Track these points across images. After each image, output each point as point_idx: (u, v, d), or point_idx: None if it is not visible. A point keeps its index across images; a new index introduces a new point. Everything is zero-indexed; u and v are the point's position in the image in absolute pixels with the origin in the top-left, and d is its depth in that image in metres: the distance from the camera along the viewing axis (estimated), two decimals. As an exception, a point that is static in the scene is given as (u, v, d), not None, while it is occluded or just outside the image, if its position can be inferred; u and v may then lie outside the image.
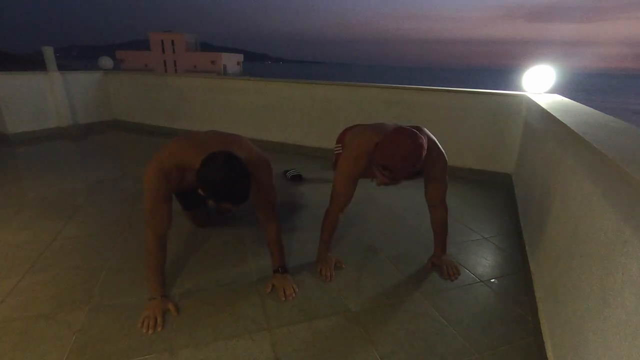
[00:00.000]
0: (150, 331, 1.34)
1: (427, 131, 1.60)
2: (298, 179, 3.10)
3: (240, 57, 46.56)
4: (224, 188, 1.19)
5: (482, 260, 1.92)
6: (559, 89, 3.07)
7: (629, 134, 1.23)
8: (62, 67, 4.87)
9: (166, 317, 1.42)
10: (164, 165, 1.37)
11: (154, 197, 1.38)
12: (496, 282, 1.73)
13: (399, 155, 1.31)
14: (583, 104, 2.23)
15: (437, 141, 1.60)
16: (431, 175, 1.64)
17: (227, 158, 1.21)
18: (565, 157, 1.46)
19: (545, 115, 2.04)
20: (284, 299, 1.55)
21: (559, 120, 1.58)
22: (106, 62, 5.37)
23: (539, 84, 2.95)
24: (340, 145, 2.17)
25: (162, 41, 41.33)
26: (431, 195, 1.71)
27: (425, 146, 1.35)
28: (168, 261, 1.52)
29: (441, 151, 1.60)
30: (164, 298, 1.46)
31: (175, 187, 1.43)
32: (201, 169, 1.21)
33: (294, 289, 1.59)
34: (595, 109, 1.93)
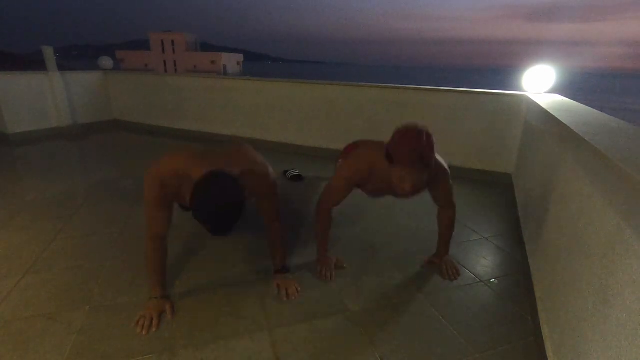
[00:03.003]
0: (145, 331, 1.34)
1: None
2: (298, 179, 3.10)
3: (240, 57, 46.57)
4: (209, 217, 1.16)
5: (482, 260, 1.92)
6: (559, 89, 3.07)
7: (629, 134, 1.23)
8: (62, 67, 4.87)
9: (166, 317, 1.42)
10: (160, 172, 1.35)
11: (150, 202, 1.38)
12: (496, 282, 1.73)
13: (421, 140, 1.30)
14: (583, 104, 2.23)
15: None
16: (434, 186, 1.65)
17: (222, 184, 1.17)
18: (565, 157, 1.46)
19: (545, 115, 2.04)
20: (285, 299, 1.55)
21: (559, 120, 1.58)
22: (106, 62, 5.37)
23: (539, 84, 2.95)
24: (340, 160, 2.15)
25: (162, 41, 41.33)
26: (439, 199, 1.73)
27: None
28: (168, 261, 1.51)
29: (441, 163, 1.60)
30: (162, 299, 1.46)
31: (173, 195, 1.40)
32: (195, 188, 1.17)
33: (296, 289, 1.60)
34: (595, 109, 1.93)
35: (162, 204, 1.38)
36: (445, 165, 1.61)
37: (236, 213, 1.18)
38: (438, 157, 1.55)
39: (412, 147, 1.30)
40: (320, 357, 1.26)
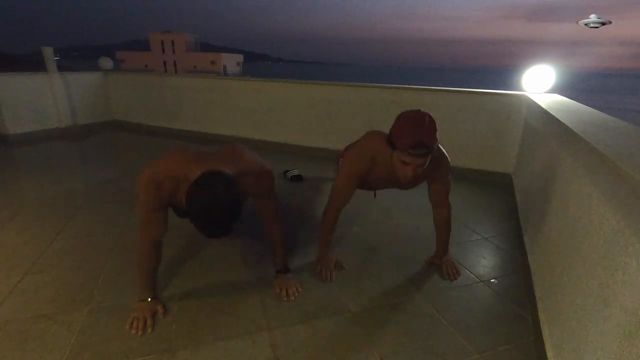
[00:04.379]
0: (140, 332, 1.34)
1: None
2: (298, 179, 3.10)
3: (240, 58, 46.53)
4: (204, 218, 1.14)
5: (482, 260, 1.92)
6: (558, 89, 3.07)
7: (628, 134, 1.24)
8: (61, 68, 4.87)
9: (161, 318, 1.42)
10: (156, 175, 1.31)
11: (145, 206, 1.35)
12: (496, 282, 1.73)
13: (423, 123, 1.33)
14: (583, 104, 2.23)
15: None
16: (435, 175, 1.64)
17: (218, 184, 1.14)
18: (565, 157, 1.46)
19: (545, 115, 2.04)
20: (285, 299, 1.55)
21: (558, 120, 1.58)
22: (106, 62, 5.37)
23: (539, 84, 2.95)
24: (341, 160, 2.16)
25: (162, 41, 41.31)
26: (435, 196, 1.72)
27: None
28: (168, 262, 1.51)
29: (443, 151, 1.60)
30: (153, 300, 1.46)
31: (169, 198, 1.36)
32: (190, 187, 1.15)
33: (296, 289, 1.60)
34: (595, 109, 1.93)
35: (158, 207, 1.35)
36: (448, 158, 1.62)
37: (233, 213, 1.16)
38: (439, 146, 1.55)
39: (413, 131, 1.31)
40: (320, 357, 1.26)
